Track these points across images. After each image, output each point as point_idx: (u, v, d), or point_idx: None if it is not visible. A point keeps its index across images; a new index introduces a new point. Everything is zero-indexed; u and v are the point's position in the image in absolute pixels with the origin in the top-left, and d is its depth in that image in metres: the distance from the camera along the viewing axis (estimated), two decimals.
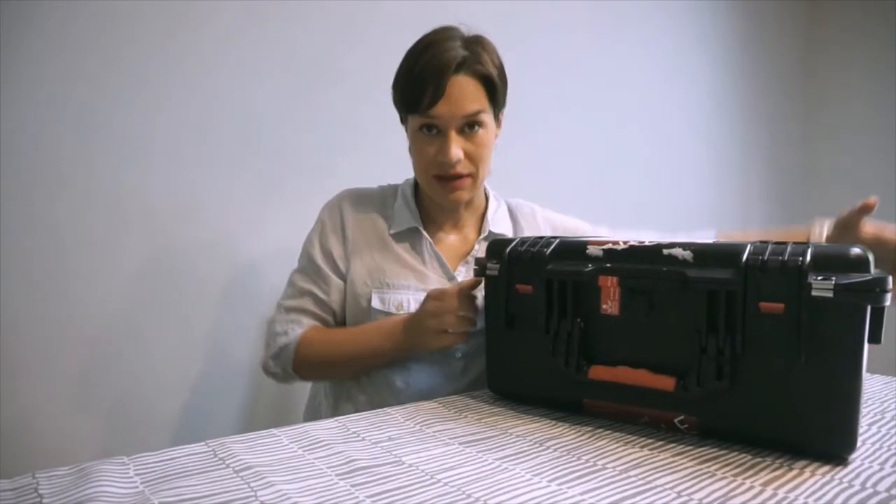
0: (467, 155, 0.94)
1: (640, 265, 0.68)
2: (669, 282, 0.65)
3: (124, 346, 1.25)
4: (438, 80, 0.90)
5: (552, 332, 0.73)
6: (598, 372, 0.69)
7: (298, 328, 0.99)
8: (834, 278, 0.57)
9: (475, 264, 0.81)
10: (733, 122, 2.50)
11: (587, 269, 0.70)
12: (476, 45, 0.94)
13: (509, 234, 1.08)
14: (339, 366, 0.98)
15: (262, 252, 1.40)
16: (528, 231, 1.10)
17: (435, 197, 0.99)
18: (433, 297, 0.87)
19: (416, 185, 1.06)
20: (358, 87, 1.50)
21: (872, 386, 0.87)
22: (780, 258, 0.59)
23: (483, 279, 0.82)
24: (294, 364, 0.98)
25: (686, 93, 2.33)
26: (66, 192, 1.17)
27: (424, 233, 1.01)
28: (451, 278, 1.01)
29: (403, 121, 1.00)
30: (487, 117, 0.95)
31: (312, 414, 1.11)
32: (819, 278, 0.57)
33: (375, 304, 0.97)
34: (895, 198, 2.40)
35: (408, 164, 1.04)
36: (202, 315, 1.34)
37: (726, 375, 0.62)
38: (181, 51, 1.27)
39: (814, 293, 0.57)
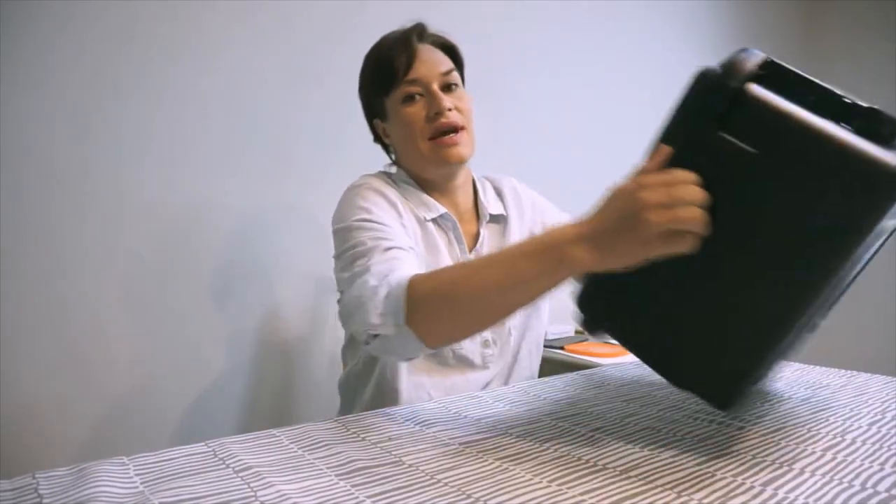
0: (455, 107, 0.95)
1: None
2: None
3: (123, 346, 1.24)
4: (406, 47, 0.95)
5: None
6: None
7: (402, 273, 0.76)
8: None
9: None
10: None
11: None
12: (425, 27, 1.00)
13: (502, 213, 1.08)
14: (474, 300, 0.69)
15: (261, 251, 1.40)
16: (515, 212, 1.09)
17: (436, 165, 0.97)
18: (643, 180, 0.58)
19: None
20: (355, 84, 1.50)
21: (872, 386, 0.87)
22: None
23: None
24: (408, 309, 0.72)
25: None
26: (65, 192, 1.17)
27: (453, 216, 1.00)
28: None
29: (378, 115, 1.02)
30: (459, 80, 0.99)
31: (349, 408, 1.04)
32: None
33: None
34: None
35: None
36: (201, 315, 1.34)
37: None
38: (177, 50, 1.27)
39: None
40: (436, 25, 1.01)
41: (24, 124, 1.13)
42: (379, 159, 1.10)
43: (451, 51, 1.00)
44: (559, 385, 0.90)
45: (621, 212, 0.59)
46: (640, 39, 2.17)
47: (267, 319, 1.42)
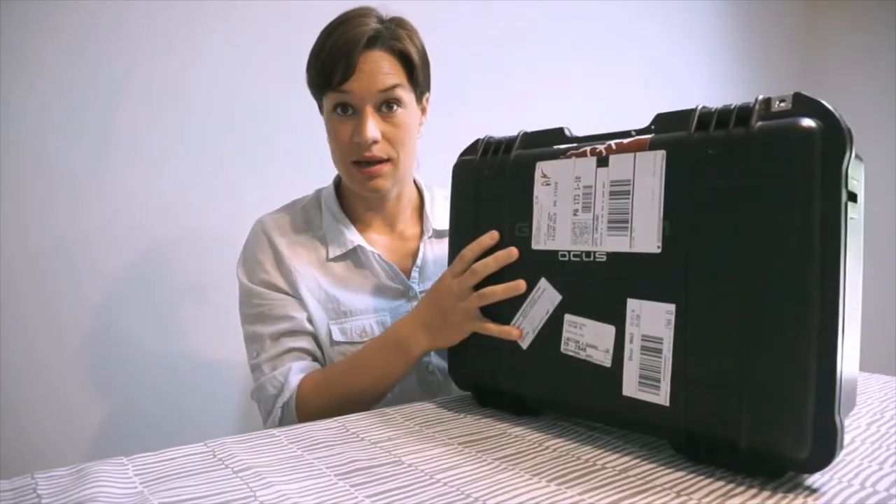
0: (386, 137, 0.87)
1: None
2: None
3: (122, 346, 1.24)
4: (350, 54, 0.84)
5: None
6: None
7: (292, 377, 0.87)
8: None
9: None
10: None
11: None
12: (392, 23, 0.89)
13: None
14: (352, 403, 0.83)
15: None
16: None
17: (355, 187, 0.92)
18: (451, 271, 0.76)
19: (336, 189, 1.00)
20: None
21: (871, 385, 0.87)
22: None
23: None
24: (299, 415, 0.86)
25: (680, 86, 2.33)
26: (64, 193, 1.17)
27: (368, 247, 0.93)
28: (407, 287, 0.95)
29: (320, 107, 0.94)
30: (407, 96, 0.89)
31: None
32: None
33: (337, 336, 0.90)
34: (895, 187, 2.40)
35: None
36: (201, 314, 1.34)
37: None
38: (164, 48, 1.27)
39: None
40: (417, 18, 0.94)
41: (11, 123, 1.12)
42: None
43: (405, 58, 0.88)
44: None
45: (438, 304, 0.76)
46: (638, 38, 2.17)
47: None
